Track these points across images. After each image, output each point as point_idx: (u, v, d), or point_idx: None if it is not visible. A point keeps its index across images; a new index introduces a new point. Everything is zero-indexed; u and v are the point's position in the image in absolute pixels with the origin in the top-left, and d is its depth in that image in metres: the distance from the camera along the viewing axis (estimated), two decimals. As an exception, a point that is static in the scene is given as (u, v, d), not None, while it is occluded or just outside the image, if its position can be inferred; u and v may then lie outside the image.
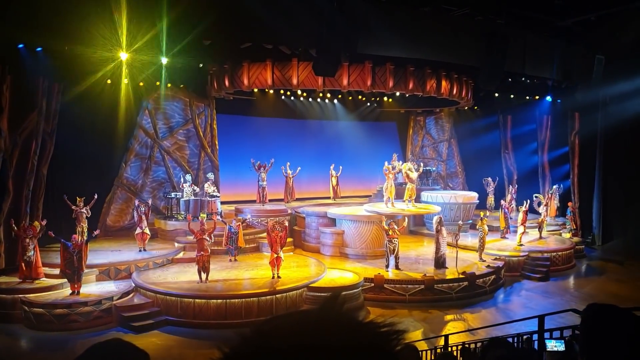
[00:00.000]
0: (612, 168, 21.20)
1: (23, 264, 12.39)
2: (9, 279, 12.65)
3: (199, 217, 15.21)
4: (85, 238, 12.91)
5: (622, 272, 17.53)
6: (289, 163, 20.28)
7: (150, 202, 16.31)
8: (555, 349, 3.78)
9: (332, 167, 21.21)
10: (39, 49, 13.31)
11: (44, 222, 12.88)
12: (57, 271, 12.43)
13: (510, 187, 22.00)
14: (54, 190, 14.90)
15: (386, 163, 17.27)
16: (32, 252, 12.35)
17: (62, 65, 13.79)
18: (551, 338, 4.00)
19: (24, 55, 13.27)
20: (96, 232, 13.44)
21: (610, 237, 21.58)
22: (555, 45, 18.04)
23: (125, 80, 15.99)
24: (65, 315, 11.35)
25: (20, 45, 13.12)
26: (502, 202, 19.24)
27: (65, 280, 12.16)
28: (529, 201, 18.61)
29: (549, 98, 22.27)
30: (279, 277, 12.85)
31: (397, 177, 17.86)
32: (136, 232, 15.05)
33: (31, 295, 11.81)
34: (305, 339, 0.70)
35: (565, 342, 3.84)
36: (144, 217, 15.05)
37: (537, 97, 22.26)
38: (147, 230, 15.06)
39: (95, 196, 14.79)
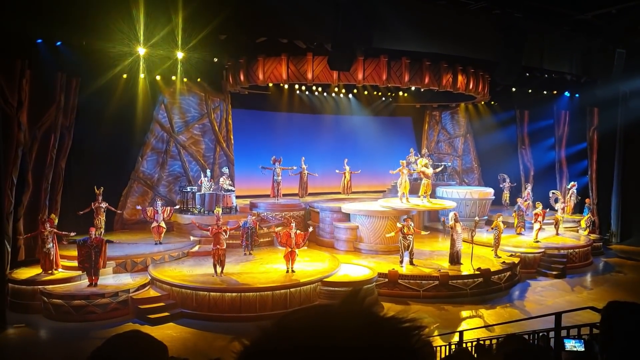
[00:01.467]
0: (631, 164, 20.81)
1: (42, 256, 12.65)
2: (29, 270, 12.90)
3: (214, 211, 15.33)
4: (102, 230, 13.10)
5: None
6: (303, 158, 20.29)
7: (177, 206, 16.59)
8: (575, 349, 3.72)
9: (345, 162, 21.12)
10: (58, 43, 13.50)
11: (72, 234, 13.15)
12: (75, 262, 12.64)
13: (528, 184, 21.74)
14: (72, 184, 15.15)
15: (402, 161, 17.25)
16: (51, 244, 12.59)
17: (81, 60, 13.99)
18: (569, 337, 3.93)
19: (42, 50, 13.47)
20: (117, 241, 13.65)
21: (628, 234, 21.22)
22: (575, 39, 17.72)
23: (142, 75, 16.14)
24: (83, 307, 11.54)
25: (39, 40, 13.31)
26: (519, 199, 19.05)
27: (83, 272, 12.37)
28: (543, 203, 18.34)
29: (567, 93, 21.93)
30: (293, 271, 12.90)
31: (412, 173, 17.76)
32: (152, 226, 15.24)
33: (50, 286, 12.04)
34: (326, 333, 0.70)
35: (585, 342, 3.77)
36: (160, 211, 15.22)
37: (555, 92, 21.92)
38: (162, 224, 15.25)
39: (107, 205, 15.28)
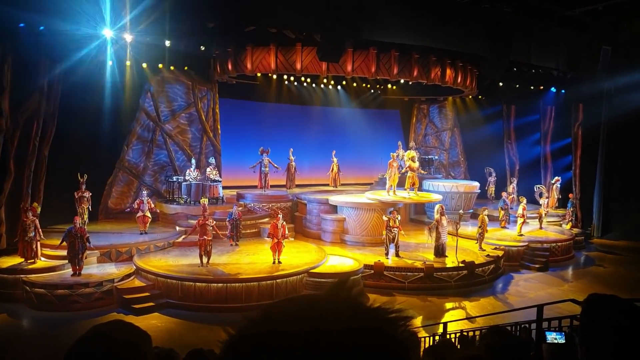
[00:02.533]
0: (614, 160, 21.14)
1: (24, 245, 12.48)
2: (11, 259, 12.72)
3: (200, 202, 15.23)
4: (86, 219, 12.97)
5: (620, 263, 17.59)
6: (291, 149, 20.24)
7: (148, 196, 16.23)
8: (555, 341, 3.79)
9: (333, 154, 21.15)
10: (41, 28, 13.20)
11: (37, 217, 12.80)
12: (57, 252, 12.51)
13: (514, 178, 21.98)
14: (56, 172, 14.92)
15: (392, 154, 17.28)
16: (33, 232, 12.42)
17: (65, 46, 13.70)
18: (550, 330, 4.00)
19: (25, 35, 13.15)
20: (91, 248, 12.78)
21: (609, 228, 21.61)
22: (562, 35, 17.88)
23: (128, 62, 15.91)
24: (66, 296, 11.43)
25: (22, 25, 13.00)
26: (504, 192, 19.28)
27: (66, 261, 12.24)
28: (528, 197, 18.56)
29: (553, 89, 22.14)
30: (279, 262, 12.91)
31: (401, 166, 17.84)
32: (137, 215, 15.10)
33: (33, 275, 11.89)
34: (312, 322, 0.70)
35: (566, 334, 3.84)
36: (145, 200, 15.09)
37: (541, 88, 22.13)
38: (148, 213, 15.11)
39: (89, 194, 15.02)
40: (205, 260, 12.55)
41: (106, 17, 12.53)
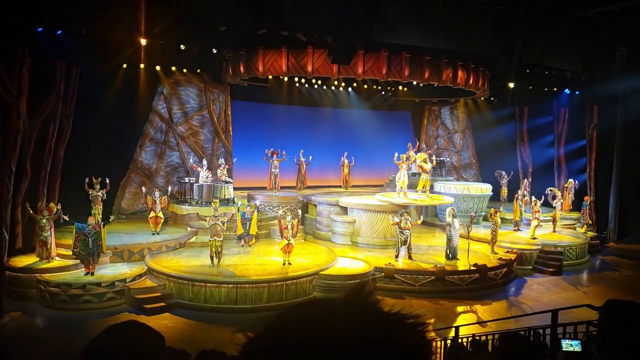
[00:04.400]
0: (630, 163, 20.84)
1: (39, 244, 12.65)
2: (27, 258, 12.90)
3: (212, 203, 15.32)
4: (100, 220, 13.10)
5: (637, 268, 17.32)
6: (302, 151, 20.26)
7: (169, 189, 16.46)
8: (571, 348, 3.72)
9: (344, 156, 21.14)
10: (58, 32, 13.42)
11: (59, 206, 13.08)
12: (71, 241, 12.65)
13: (525, 180, 21.77)
14: (71, 173, 15.10)
15: (396, 154, 17.13)
16: (49, 232, 12.59)
17: (81, 49, 13.92)
18: (565, 337, 3.93)
19: (43, 39, 13.39)
20: (111, 218, 13.71)
21: (626, 232, 21.29)
22: (576, 36, 17.69)
23: (142, 65, 16.09)
24: (79, 296, 11.57)
25: (40, 29, 13.23)
26: (517, 194, 19.10)
27: (80, 261, 12.37)
28: (542, 198, 18.35)
29: (567, 90, 21.90)
30: (289, 263, 12.93)
31: (410, 167, 17.75)
32: (150, 216, 15.22)
33: (47, 274, 12.04)
34: (329, 328, 0.70)
35: (582, 342, 3.77)
36: (158, 201, 15.19)
37: (555, 89, 21.89)
38: (160, 214, 15.23)
39: (108, 181, 15.01)
40: (216, 261, 12.60)
41: (122, 21, 12.67)
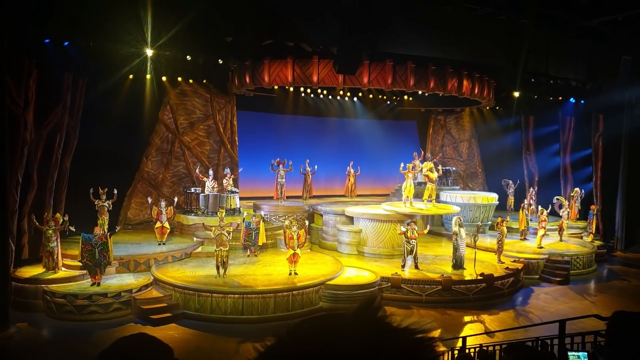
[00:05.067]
0: (636, 171, 20.73)
1: (45, 255, 12.70)
2: (33, 269, 12.94)
3: (217, 213, 15.33)
4: (106, 230, 13.16)
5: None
6: (308, 160, 20.30)
7: (175, 200, 16.47)
8: None
9: (350, 165, 21.15)
10: (65, 43, 13.57)
11: (66, 217, 13.14)
12: (78, 262, 12.68)
13: (531, 189, 21.69)
14: (77, 183, 15.19)
15: (402, 164, 17.14)
16: (55, 243, 12.63)
17: (88, 60, 14.06)
18: (572, 349, 3.90)
19: (50, 50, 13.55)
20: (118, 228, 13.75)
21: (632, 241, 21.12)
22: (581, 45, 17.71)
23: (148, 76, 16.24)
24: (85, 306, 11.57)
25: (47, 40, 13.39)
26: (523, 203, 19.02)
27: (86, 271, 12.40)
28: (550, 207, 18.23)
29: (572, 99, 21.88)
30: (295, 273, 12.90)
31: (416, 177, 17.73)
32: (156, 226, 15.26)
33: (53, 285, 12.07)
34: (339, 343, 0.70)
35: (589, 354, 3.73)
36: (164, 211, 15.23)
37: (560, 98, 21.88)
38: (167, 224, 15.27)
39: (115, 191, 15.02)
40: (222, 271, 12.60)
41: (128, 32, 12.80)
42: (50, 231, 12.56)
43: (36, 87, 13.18)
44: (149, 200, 16.13)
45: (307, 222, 14.70)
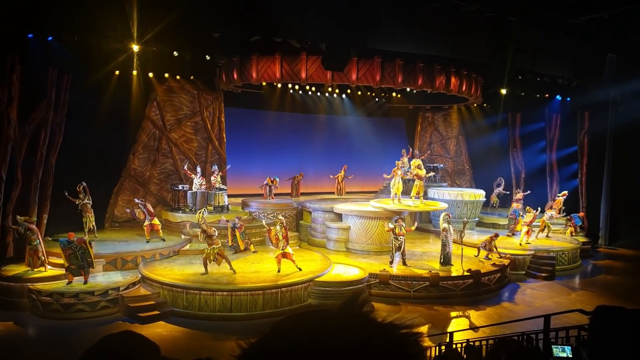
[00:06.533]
0: (621, 168, 21.04)
1: (29, 253, 12.54)
2: (18, 267, 12.77)
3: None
4: (94, 227, 13.04)
5: (628, 272, 17.45)
6: (302, 174, 20.54)
7: (145, 203, 15.75)
8: (563, 354, 3.74)
9: (344, 169, 21.24)
10: (49, 38, 13.36)
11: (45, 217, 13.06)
12: (62, 259, 12.56)
13: (520, 188, 21.88)
14: (62, 181, 14.99)
15: (385, 175, 17.31)
16: (37, 241, 12.47)
17: (72, 56, 13.86)
18: (557, 343, 3.96)
19: (33, 45, 13.33)
20: (96, 238, 13.75)
21: (617, 237, 21.45)
22: (567, 43, 17.91)
23: (134, 72, 16.04)
24: (72, 305, 11.45)
25: (30, 35, 13.17)
26: (513, 203, 19.25)
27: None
28: (539, 208, 18.37)
29: (558, 96, 22.11)
30: (299, 269, 12.97)
31: (405, 173, 17.81)
32: (144, 224, 15.09)
33: (39, 284, 11.92)
34: (323, 339, 0.70)
35: (573, 348, 3.79)
36: (146, 212, 15.03)
37: (546, 95, 22.10)
38: (156, 221, 15.06)
39: (84, 184, 14.29)
40: (223, 266, 12.62)
41: (114, 28, 12.65)
42: (28, 232, 12.36)
43: (20, 83, 12.98)
44: (128, 210, 15.99)
45: (284, 221, 14.14)
